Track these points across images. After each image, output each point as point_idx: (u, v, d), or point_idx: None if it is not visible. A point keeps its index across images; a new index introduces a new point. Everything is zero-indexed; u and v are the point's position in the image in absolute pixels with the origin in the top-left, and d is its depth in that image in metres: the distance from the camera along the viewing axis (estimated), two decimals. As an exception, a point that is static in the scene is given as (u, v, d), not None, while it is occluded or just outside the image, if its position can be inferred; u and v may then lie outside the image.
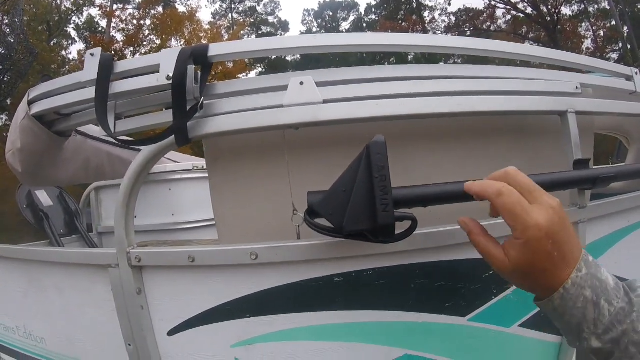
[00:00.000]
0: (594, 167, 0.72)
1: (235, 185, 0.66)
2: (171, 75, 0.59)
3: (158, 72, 0.63)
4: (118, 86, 0.65)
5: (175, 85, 0.59)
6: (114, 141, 1.22)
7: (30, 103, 0.79)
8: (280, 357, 0.64)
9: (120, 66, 0.66)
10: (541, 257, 0.38)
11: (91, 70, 0.66)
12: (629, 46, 12.59)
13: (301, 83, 0.58)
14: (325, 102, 0.57)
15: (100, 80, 0.64)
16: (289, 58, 17.01)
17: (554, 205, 0.39)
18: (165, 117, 0.66)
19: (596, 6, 14.42)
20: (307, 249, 0.57)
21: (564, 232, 0.39)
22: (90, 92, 0.68)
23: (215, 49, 0.60)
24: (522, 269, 0.39)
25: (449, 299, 0.64)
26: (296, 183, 0.62)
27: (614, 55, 13.80)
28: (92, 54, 0.68)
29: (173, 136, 0.60)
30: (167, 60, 0.60)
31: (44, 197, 1.66)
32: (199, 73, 0.63)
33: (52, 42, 12.08)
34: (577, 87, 0.77)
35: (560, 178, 0.65)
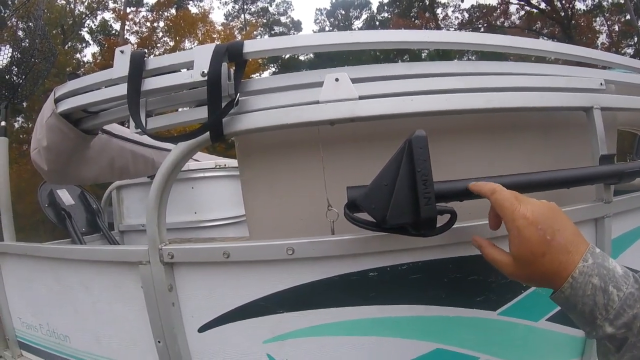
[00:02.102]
0: (618, 163, 0.73)
1: (268, 181, 0.66)
2: (206, 71, 0.59)
3: (190, 68, 0.63)
4: (150, 83, 0.65)
5: (211, 81, 0.59)
6: (138, 140, 1.23)
7: (57, 101, 0.79)
8: (313, 352, 0.65)
9: (152, 63, 0.66)
10: (536, 242, 0.43)
11: (122, 67, 0.67)
12: (644, 41, 12.45)
13: (336, 79, 0.58)
14: (360, 98, 0.58)
15: (132, 77, 0.65)
16: (302, 57, 16.95)
17: (539, 203, 0.45)
18: (197, 114, 0.66)
19: (610, 0, 14.26)
20: (344, 243, 0.58)
21: (554, 221, 0.44)
22: (120, 89, 0.68)
23: (250, 46, 0.61)
24: (523, 259, 0.44)
25: (480, 293, 0.64)
26: (330, 179, 0.62)
27: (630, 50, 13.66)
28: (121, 51, 0.68)
29: (207, 133, 0.61)
30: (202, 56, 0.60)
31: (65, 196, 1.67)
32: (232, 70, 0.63)
33: (66, 46, 12.13)
34: (601, 84, 0.77)
35: (587, 173, 0.66)
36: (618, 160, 0.74)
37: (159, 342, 0.71)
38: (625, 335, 0.39)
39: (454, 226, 0.54)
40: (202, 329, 0.69)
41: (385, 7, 19.92)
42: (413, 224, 0.50)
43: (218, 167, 1.86)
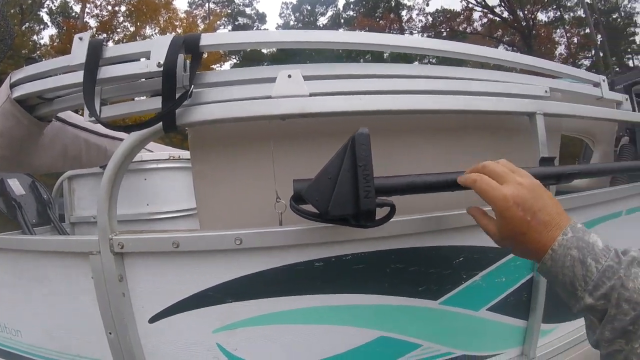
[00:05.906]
0: (557, 166, 0.78)
1: (219, 173, 0.67)
2: (162, 62, 0.60)
3: (147, 58, 0.64)
4: (107, 71, 0.65)
5: (166, 72, 0.60)
6: (92, 128, 1.20)
7: (13, 86, 0.77)
8: (261, 341, 0.66)
9: (110, 51, 0.66)
10: (516, 223, 0.46)
11: (79, 54, 0.66)
12: (601, 54, 13.17)
13: (289, 76, 0.60)
14: (311, 95, 0.60)
15: (89, 64, 0.64)
16: (264, 51, 16.89)
17: (522, 182, 0.48)
18: (152, 104, 0.66)
19: (572, 14, 15.05)
20: (290, 234, 0.60)
21: (535, 201, 0.46)
22: (77, 77, 0.68)
23: (207, 39, 0.62)
24: (506, 235, 0.48)
25: (422, 283, 0.68)
26: (279, 172, 0.64)
27: (586, 62, 14.47)
28: (80, 38, 0.67)
29: (160, 123, 0.61)
30: (159, 47, 0.61)
31: (16, 186, 1.59)
32: (188, 62, 0.64)
33: (23, 27, 11.48)
34: (546, 91, 0.83)
35: None
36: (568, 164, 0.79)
37: (110, 333, 0.71)
38: (604, 307, 0.41)
39: (396, 219, 0.57)
40: (152, 320, 0.69)
41: (351, 6, 20.17)
42: (354, 216, 0.52)
43: (172, 158, 1.80)
